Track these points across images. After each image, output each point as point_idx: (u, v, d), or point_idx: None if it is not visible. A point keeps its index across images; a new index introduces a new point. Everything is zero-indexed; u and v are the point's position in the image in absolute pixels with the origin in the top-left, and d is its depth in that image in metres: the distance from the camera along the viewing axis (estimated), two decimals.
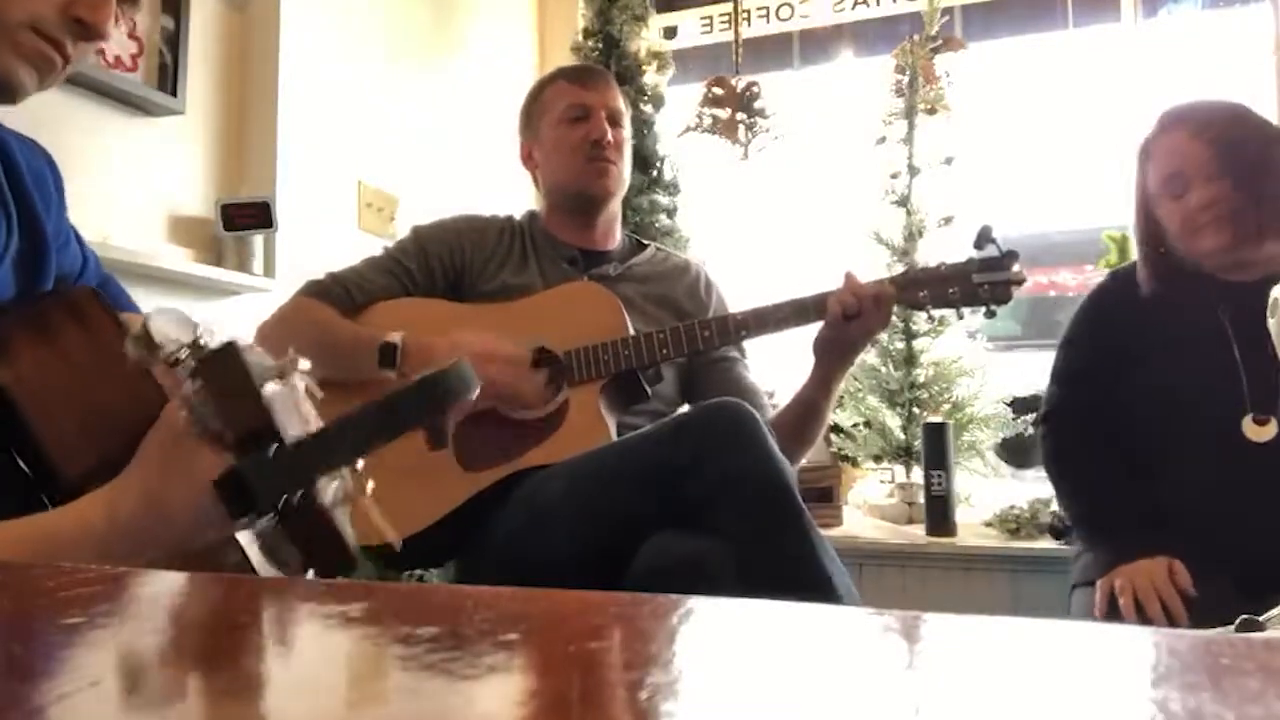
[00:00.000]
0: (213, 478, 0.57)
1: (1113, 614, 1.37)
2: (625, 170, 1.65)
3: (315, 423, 0.59)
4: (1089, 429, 1.55)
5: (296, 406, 0.58)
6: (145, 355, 0.57)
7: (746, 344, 1.63)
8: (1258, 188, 1.43)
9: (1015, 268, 1.39)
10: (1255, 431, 1.39)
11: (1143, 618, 1.33)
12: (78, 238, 0.99)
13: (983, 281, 1.39)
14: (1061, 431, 1.59)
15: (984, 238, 1.39)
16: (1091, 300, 1.61)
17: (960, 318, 1.47)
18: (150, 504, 0.64)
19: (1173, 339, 1.48)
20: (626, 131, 1.66)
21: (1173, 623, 1.31)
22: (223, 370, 0.55)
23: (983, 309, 1.42)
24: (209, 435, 0.56)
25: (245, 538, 0.62)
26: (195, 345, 0.57)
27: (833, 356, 1.45)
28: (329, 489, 0.55)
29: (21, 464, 0.74)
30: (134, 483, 0.66)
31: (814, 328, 1.43)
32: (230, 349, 0.56)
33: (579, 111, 1.61)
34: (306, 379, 0.59)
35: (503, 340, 1.42)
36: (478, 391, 0.55)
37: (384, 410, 0.52)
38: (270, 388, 0.56)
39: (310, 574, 0.57)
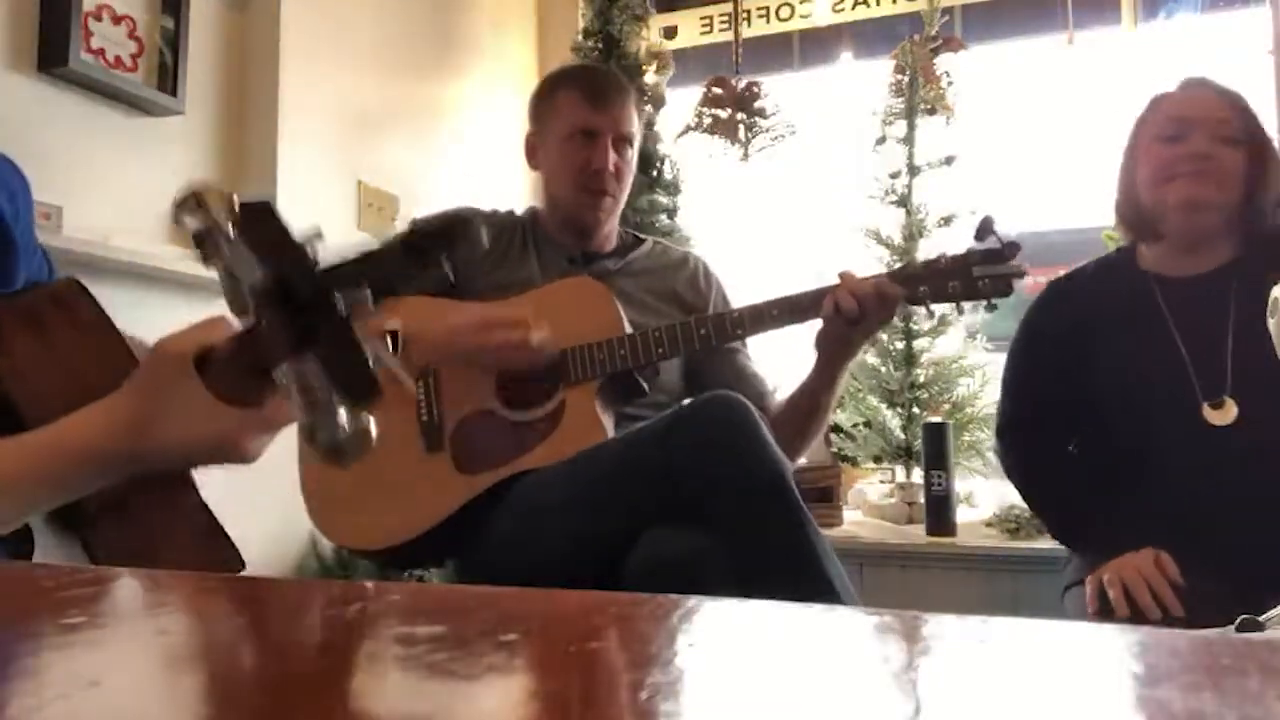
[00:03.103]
0: (201, 415, 0.65)
1: (1104, 609, 1.37)
2: (624, 193, 1.63)
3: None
4: (1046, 437, 1.56)
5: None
6: (194, 218, 0.61)
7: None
8: (1263, 177, 1.45)
9: (1016, 260, 1.38)
10: (1215, 416, 1.40)
11: (1134, 609, 1.33)
12: (46, 257, 0.99)
13: (983, 275, 1.37)
14: (1018, 444, 1.59)
15: (985, 230, 1.38)
16: (1032, 312, 1.61)
17: (960, 313, 1.46)
18: (137, 426, 0.68)
19: (1118, 338, 1.49)
20: (633, 151, 1.63)
21: (1165, 612, 1.31)
22: (262, 222, 0.61)
23: (983, 303, 1.41)
24: (246, 299, 0.60)
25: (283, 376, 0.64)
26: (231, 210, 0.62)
27: (835, 353, 1.44)
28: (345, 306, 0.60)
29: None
30: (125, 405, 0.69)
31: (813, 323, 1.43)
32: (267, 205, 0.61)
33: (585, 133, 1.57)
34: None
35: (497, 305, 1.42)
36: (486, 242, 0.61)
37: (407, 247, 0.59)
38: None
39: (342, 414, 0.59)
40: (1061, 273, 1.68)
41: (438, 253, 0.60)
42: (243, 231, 0.60)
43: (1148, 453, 1.44)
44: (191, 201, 0.62)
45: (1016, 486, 1.62)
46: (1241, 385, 1.39)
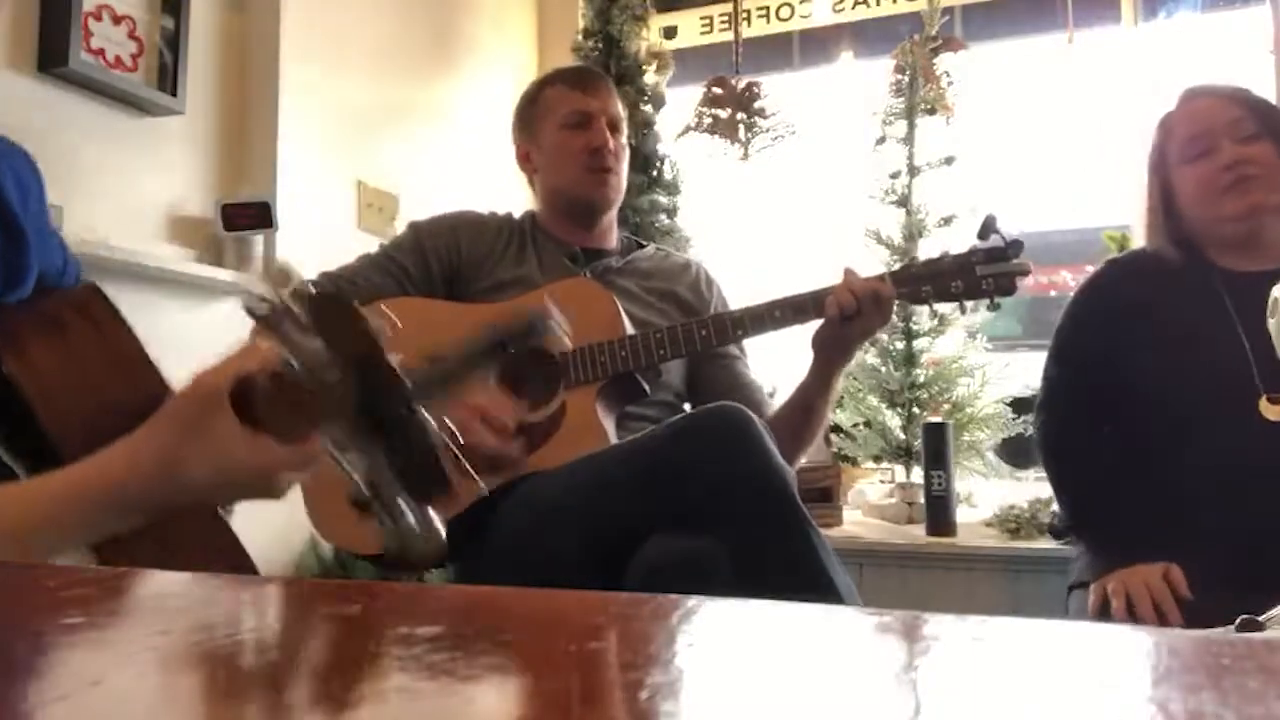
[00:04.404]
0: (233, 450, 0.62)
1: (1105, 616, 1.36)
2: (623, 177, 1.65)
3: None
4: (1087, 417, 1.53)
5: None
6: (270, 297, 0.60)
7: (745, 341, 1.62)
8: None
9: (1020, 258, 1.37)
10: (1273, 411, 1.38)
11: (1135, 621, 1.32)
12: (60, 241, 0.99)
13: (987, 274, 1.37)
14: (1060, 417, 1.56)
15: (989, 228, 1.37)
16: (1090, 286, 1.59)
17: (963, 312, 1.46)
18: (165, 464, 0.66)
19: (1175, 325, 1.47)
20: (625, 137, 1.66)
21: (1165, 626, 1.30)
22: (334, 313, 0.59)
23: (986, 301, 1.40)
24: (310, 384, 0.59)
25: (350, 464, 0.62)
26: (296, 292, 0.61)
27: (832, 354, 1.44)
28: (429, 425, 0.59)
29: (8, 458, 0.75)
30: (153, 441, 0.67)
31: (814, 323, 1.42)
32: (349, 305, 0.60)
33: (579, 118, 1.60)
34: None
35: (495, 397, 1.40)
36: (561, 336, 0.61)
37: (489, 344, 0.58)
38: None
39: (404, 509, 0.58)
40: (1104, 261, 1.66)
41: (513, 348, 0.61)
42: (320, 328, 0.58)
43: (1195, 439, 1.42)
44: (271, 280, 0.62)
45: (1044, 461, 1.60)
46: None
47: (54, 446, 0.74)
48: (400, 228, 1.66)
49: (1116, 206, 2.69)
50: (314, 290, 0.60)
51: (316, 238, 2.29)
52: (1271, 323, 0.98)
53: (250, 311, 0.59)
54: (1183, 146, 1.50)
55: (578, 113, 1.60)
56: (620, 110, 1.65)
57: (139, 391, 0.73)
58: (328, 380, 0.58)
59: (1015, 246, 1.36)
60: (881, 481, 2.63)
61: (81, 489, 0.67)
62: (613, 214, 1.67)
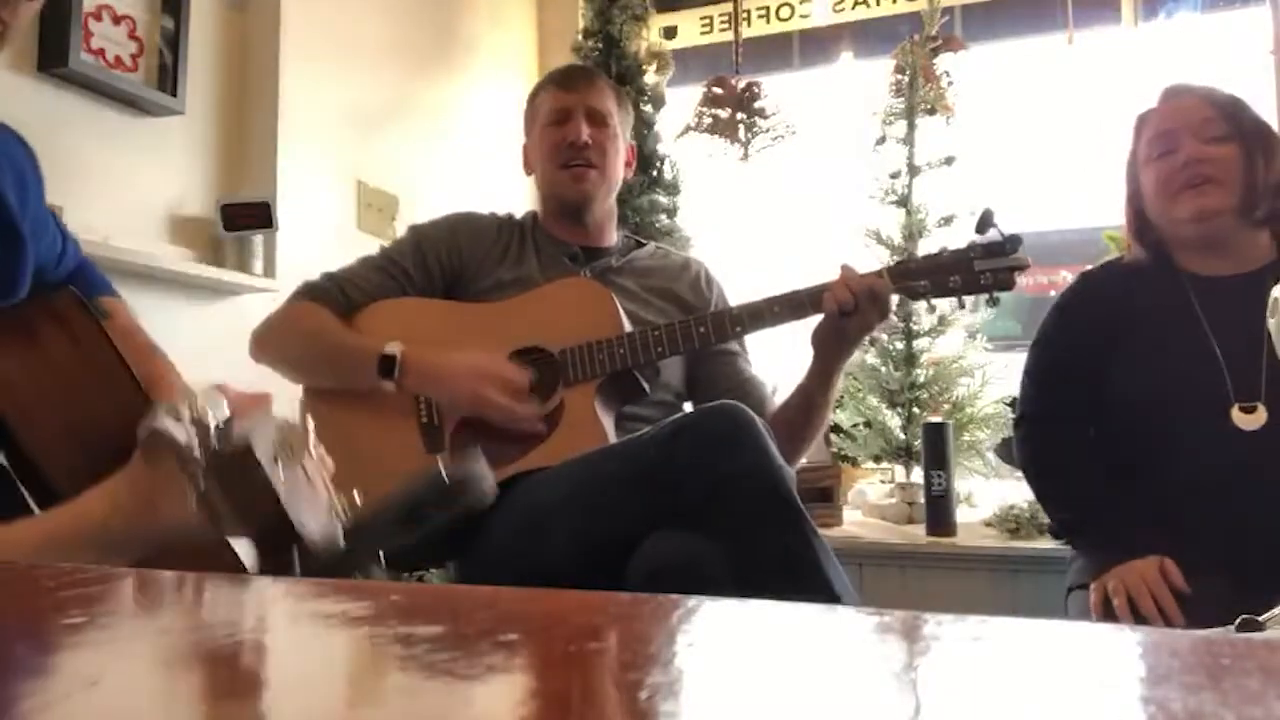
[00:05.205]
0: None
1: (1109, 616, 1.37)
2: (612, 168, 1.62)
3: (327, 495, 0.63)
4: (1066, 429, 1.54)
5: (309, 486, 0.62)
6: (160, 451, 0.60)
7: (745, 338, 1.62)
8: (1261, 166, 1.44)
9: (1018, 252, 1.37)
10: (1244, 420, 1.38)
11: (1138, 618, 1.33)
12: (57, 223, 0.99)
13: (985, 269, 1.36)
14: (1038, 433, 1.57)
15: (986, 222, 1.36)
16: (1063, 300, 1.60)
17: (962, 306, 1.46)
18: (142, 505, 0.68)
19: (1149, 335, 1.48)
20: (614, 128, 1.63)
21: (1168, 621, 1.30)
22: (239, 476, 0.58)
23: (985, 297, 1.40)
24: (221, 528, 0.59)
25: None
26: (207, 439, 0.60)
27: (831, 350, 1.44)
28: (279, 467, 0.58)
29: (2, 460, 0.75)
30: (129, 484, 0.69)
31: (813, 320, 1.42)
32: (246, 455, 0.58)
33: (558, 115, 1.60)
34: (317, 447, 0.61)
35: (501, 361, 1.42)
36: (493, 497, 0.59)
37: (405, 511, 0.56)
38: (283, 477, 0.59)
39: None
40: (1088, 267, 1.68)
41: (445, 513, 0.59)
42: (222, 483, 0.58)
43: (1170, 449, 1.43)
44: (159, 435, 0.61)
45: (1027, 476, 1.61)
46: (1276, 391, 1.38)
47: (31, 457, 0.74)
48: (400, 228, 1.67)
49: (1116, 206, 2.69)
50: (218, 447, 0.59)
51: (316, 238, 2.29)
52: (1271, 323, 0.98)
53: (150, 448, 0.60)
54: (1148, 144, 1.50)
55: (557, 110, 1.61)
56: (606, 101, 1.63)
57: (114, 398, 0.74)
58: (226, 527, 0.58)
59: (1013, 241, 1.35)
60: (881, 481, 2.63)
61: (57, 531, 0.69)
62: (605, 210, 1.66)
